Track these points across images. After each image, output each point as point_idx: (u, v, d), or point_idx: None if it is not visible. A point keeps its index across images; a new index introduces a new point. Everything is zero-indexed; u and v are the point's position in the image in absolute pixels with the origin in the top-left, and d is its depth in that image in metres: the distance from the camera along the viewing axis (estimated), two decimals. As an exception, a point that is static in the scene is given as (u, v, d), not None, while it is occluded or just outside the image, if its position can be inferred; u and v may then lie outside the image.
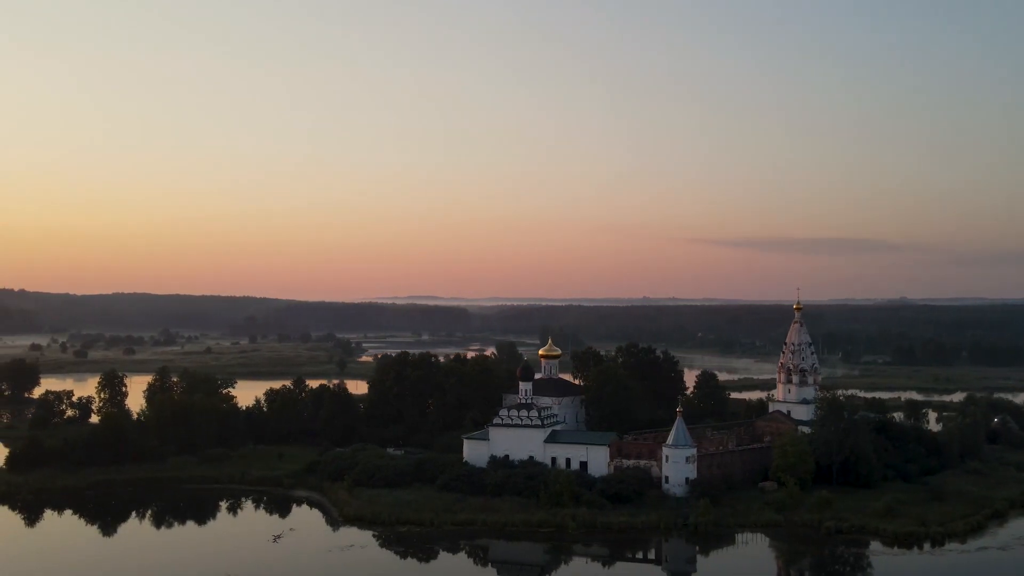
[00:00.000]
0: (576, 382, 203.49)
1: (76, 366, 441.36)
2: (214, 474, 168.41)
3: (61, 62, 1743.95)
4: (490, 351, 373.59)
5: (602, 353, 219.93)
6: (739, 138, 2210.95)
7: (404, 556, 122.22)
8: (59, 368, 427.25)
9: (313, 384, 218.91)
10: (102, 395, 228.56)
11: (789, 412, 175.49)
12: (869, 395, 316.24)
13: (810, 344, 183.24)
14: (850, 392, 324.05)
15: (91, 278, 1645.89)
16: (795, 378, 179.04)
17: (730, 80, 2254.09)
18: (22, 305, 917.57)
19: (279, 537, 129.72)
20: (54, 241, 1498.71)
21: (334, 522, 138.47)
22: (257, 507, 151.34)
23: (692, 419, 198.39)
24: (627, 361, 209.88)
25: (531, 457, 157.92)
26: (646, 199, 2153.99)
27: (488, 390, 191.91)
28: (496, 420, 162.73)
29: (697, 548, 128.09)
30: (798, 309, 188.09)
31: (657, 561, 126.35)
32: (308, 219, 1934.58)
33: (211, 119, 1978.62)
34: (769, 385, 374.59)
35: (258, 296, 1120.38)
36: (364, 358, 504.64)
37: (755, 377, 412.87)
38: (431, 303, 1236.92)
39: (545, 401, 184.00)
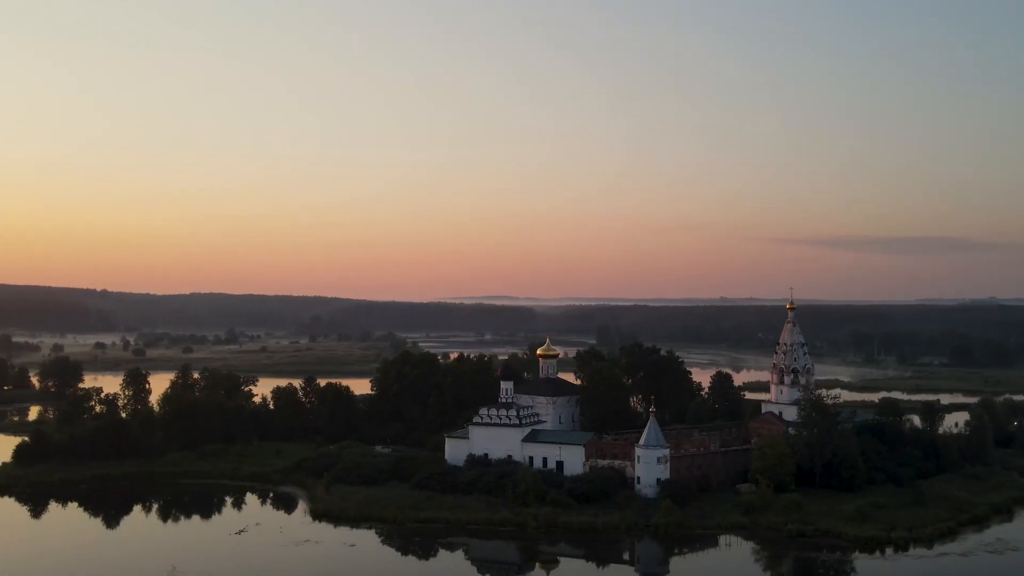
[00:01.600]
0: (579, 382, 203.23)
1: (132, 364, 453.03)
2: (208, 470, 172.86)
3: (127, 65, 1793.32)
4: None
5: (604, 353, 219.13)
6: (818, 135, 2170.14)
7: (355, 552, 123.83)
8: (116, 366, 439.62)
9: (344, 383, 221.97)
10: (126, 392, 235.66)
11: (781, 413, 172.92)
12: (910, 397, 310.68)
13: (803, 344, 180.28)
14: (887, 393, 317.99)
15: (172, 279, 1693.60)
16: (787, 379, 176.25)
17: (804, 77, 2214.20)
18: (102, 305, 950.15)
19: (242, 531, 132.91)
20: (137, 243, 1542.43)
21: (303, 518, 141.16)
22: (237, 502, 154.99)
23: (704, 419, 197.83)
24: (630, 361, 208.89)
25: (509, 456, 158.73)
26: (726, 197, 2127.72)
27: (486, 389, 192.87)
28: (476, 419, 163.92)
29: (674, 550, 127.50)
30: (791, 309, 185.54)
31: (630, 562, 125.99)
32: (381, 219, 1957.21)
33: (277, 122, 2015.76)
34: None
35: (328, 296, 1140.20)
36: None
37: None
38: (501, 303, 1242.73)
39: (540, 400, 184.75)
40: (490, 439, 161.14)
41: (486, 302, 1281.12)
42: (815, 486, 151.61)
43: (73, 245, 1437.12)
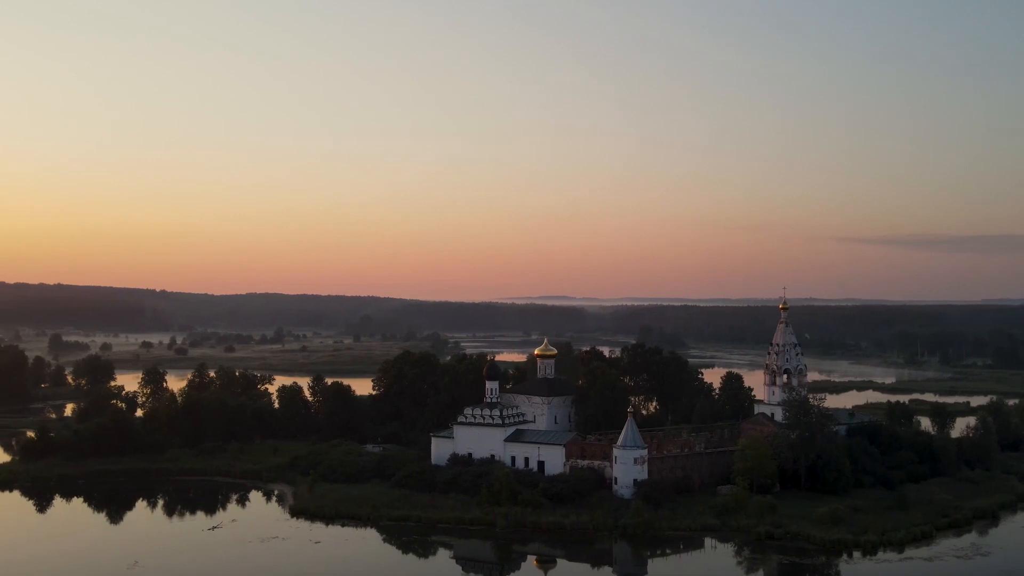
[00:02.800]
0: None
1: (173, 362, 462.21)
2: (204, 466, 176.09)
3: (169, 66, 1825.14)
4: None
5: (606, 353, 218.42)
6: (880, 134, 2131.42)
7: (318, 548, 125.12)
8: (157, 364, 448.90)
9: (352, 382, 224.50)
10: (145, 390, 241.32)
11: (772, 415, 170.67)
12: (941, 399, 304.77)
13: (795, 345, 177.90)
14: (919, 395, 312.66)
15: (230, 279, 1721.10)
16: (779, 380, 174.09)
17: (865, 77, 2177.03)
18: (160, 305, 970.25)
19: (216, 528, 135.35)
20: (197, 244, 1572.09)
21: (282, 515, 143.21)
22: (221, 498, 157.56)
23: (709, 420, 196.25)
24: (632, 361, 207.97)
25: (493, 456, 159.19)
26: (788, 197, 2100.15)
27: (484, 389, 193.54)
28: (460, 419, 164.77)
29: (652, 552, 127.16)
30: (783, 309, 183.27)
31: (608, 563, 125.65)
32: (437, 219, 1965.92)
33: (330, 123, 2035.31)
34: (836, 387, 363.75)
35: (381, 296, 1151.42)
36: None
37: (834, 379, 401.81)
38: (554, 303, 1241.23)
39: (536, 400, 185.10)
40: (474, 439, 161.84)
41: (539, 302, 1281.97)
42: (800, 488, 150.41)
43: (135, 247, 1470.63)
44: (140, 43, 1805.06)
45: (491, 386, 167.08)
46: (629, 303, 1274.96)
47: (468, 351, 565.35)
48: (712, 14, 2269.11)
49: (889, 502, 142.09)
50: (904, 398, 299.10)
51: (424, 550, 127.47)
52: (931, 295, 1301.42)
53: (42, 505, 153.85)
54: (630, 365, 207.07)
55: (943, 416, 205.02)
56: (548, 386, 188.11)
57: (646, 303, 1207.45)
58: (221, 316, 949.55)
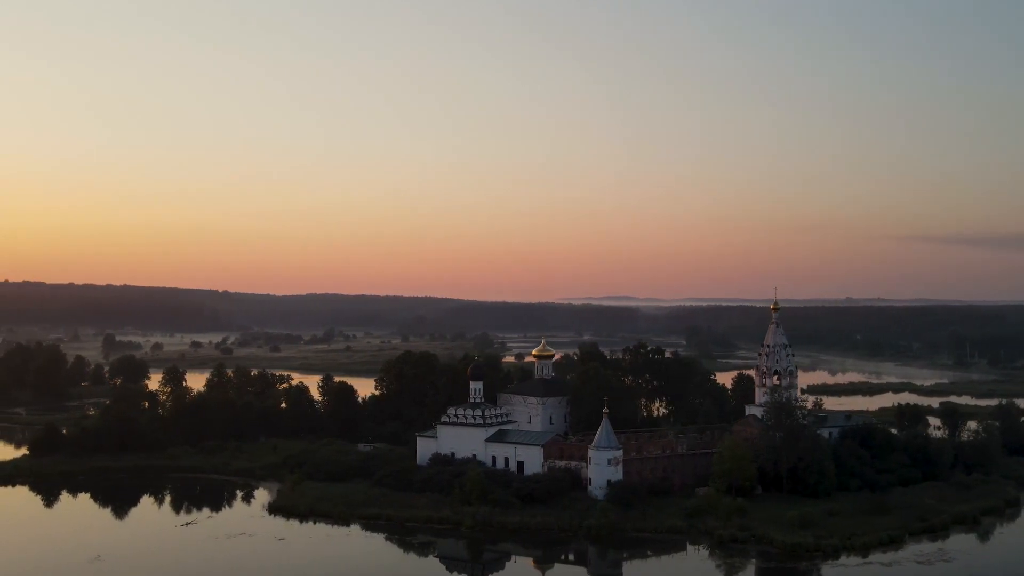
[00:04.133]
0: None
1: (214, 361, 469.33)
2: (201, 464, 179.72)
3: (200, 67, 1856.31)
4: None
5: (607, 354, 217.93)
6: (946, 131, 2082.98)
7: (281, 545, 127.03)
8: (201, 364, 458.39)
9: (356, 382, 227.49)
10: (166, 389, 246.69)
11: (762, 416, 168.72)
12: (976, 401, 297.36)
13: (786, 346, 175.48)
14: (955, 398, 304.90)
15: (291, 280, 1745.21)
16: (768, 381, 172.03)
17: (930, 75, 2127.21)
18: (221, 305, 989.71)
19: (189, 524, 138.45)
20: (261, 246, 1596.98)
21: (260, 512, 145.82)
22: (208, 495, 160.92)
23: (714, 421, 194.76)
24: (634, 362, 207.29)
25: (474, 455, 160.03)
26: (852, 195, 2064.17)
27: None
28: (443, 419, 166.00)
29: (626, 554, 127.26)
30: (775, 309, 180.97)
31: (583, 564, 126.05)
32: (498, 220, 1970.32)
33: (398, 126, 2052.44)
34: (872, 389, 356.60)
35: (439, 296, 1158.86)
36: (508, 358, 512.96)
37: (873, 381, 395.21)
38: (613, 304, 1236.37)
39: (531, 401, 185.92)
40: (456, 438, 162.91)
41: (598, 302, 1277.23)
42: (782, 491, 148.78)
43: (200, 249, 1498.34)
44: (183, 45, 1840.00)
45: (475, 386, 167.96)
46: (687, 303, 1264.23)
47: (514, 351, 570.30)
48: (777, 6, 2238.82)
49: (868, 506, 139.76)
50: (936, 400, 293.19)
51: (386, 547, 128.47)
52: (995, 295, 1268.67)
53: (36, 500, 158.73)
54: (631, 366, 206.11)
55: (954, 419, 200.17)
56: (544, 387, 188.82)
57: (704, 303, 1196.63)
58: (280, 316, 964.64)
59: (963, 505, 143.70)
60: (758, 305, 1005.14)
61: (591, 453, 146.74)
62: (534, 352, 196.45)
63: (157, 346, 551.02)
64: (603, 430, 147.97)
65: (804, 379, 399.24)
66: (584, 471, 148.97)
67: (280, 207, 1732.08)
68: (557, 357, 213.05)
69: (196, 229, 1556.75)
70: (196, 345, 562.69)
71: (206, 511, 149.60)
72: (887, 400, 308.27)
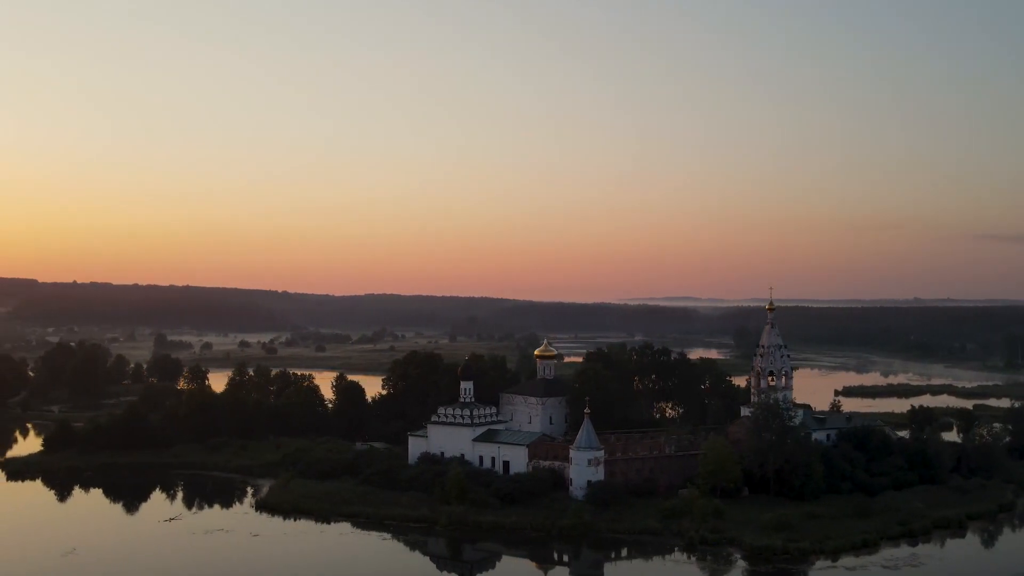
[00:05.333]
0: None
1: (262, 361, 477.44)
2: (204, 461, 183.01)
3: (242, 68, 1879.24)
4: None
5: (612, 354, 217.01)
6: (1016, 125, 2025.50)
7: (254, 541, 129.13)
8: (243, 363, 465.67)
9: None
10: (189, 387, 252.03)
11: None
12: (1012, 404, 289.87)
13: (781, 347, 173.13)
14: (994, 400, 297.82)
15: (350, 280, 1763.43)
16: (762, 382, 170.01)
17: (995, 70, 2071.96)
18: (279, 306, 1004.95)
19: (173, 519, 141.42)
20: (320, 247, 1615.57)
21: (247, 509, 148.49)
22: (200, 492, 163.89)
23: (722, 422, 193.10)
24: (639, 362, 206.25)
25: (462, 455, 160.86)
26: (922, 193, 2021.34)
27: (484, 389, 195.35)
28: (433, 418, 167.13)
29: (607, 555, 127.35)
30: (770, 310, 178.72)
31: (564, 563, 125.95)
32: (557, 219, 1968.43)
33: (455, 127, 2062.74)
34: (908, 391, 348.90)
35: (494, 297, 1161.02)
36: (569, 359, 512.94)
37: (913, 382, 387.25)
38: (671, 304, 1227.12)
39: (531, 401, 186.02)
40: (445, 438, 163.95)
41: (657, 303, 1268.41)
42: (768, 493, 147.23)
43: (261, 250, 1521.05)
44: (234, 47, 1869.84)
45: (465, 386, 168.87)
46: (746, 304, 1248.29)
47: (561, 352, 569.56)
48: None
49: (851, 509, 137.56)
50: (970, 403, 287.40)
51: (356, 544, 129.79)
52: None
53: (34, 495, 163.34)
54: (638, 366, 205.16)
55: (969, 422, 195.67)
56: (544, 387, 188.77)
57: (762, 304, 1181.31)
58: (336, 316, 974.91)
59: (952, 509, 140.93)
60: (814, 306, 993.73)
61: (572, 453, 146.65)
62: (536, 352, 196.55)
63: (207, 346, 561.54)
64: (584, 431, 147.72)
65: (844, 380, 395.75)
66: (567, 471, 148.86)
67: (341, 208, 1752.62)
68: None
69: (259, 230, 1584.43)
70: (244, 345, 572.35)
71: (194, 507, 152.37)
72: (924, 402, 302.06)
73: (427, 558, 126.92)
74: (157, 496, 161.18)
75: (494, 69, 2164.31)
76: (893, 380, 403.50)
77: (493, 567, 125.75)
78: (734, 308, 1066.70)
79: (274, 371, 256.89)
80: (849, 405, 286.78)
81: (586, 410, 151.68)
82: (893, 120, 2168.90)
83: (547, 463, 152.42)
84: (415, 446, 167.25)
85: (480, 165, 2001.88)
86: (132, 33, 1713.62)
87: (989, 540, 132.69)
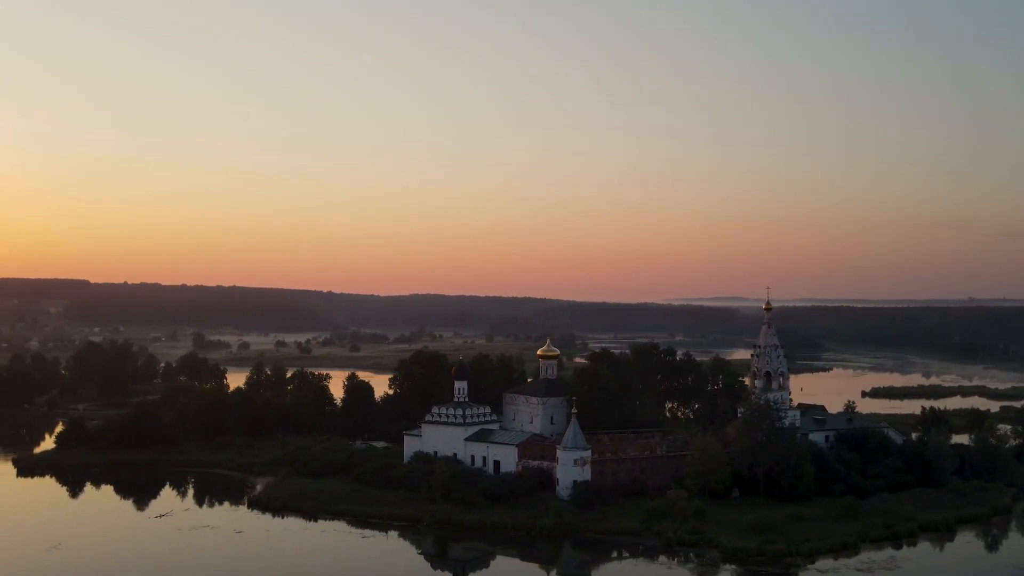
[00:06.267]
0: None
1: (295, 360, 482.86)
2: (209, 459, 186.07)
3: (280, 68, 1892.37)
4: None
5: (616, 354, 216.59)
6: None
7: (237, 537, 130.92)
8: (281, 362, 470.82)
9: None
10: (207, 386, 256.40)
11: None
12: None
13: (777, 347, 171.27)
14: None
15: (396, 280, 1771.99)
16: (759, 382, 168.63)
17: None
18: (323, 306, 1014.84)
19: (163, 516, 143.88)
20: (368, 246, 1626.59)
21: (239, 507, 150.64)
22: (200, 489, 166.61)
23: (726, 422, 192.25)
24: (645, 363, 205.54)
25: (455, 454, 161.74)
26: (984, 193, 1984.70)
27: (486, 389, 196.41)
28: (427, 417, 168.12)
29: (591, 556, 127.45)
30: (767, 310, 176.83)
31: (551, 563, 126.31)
32: (605, 219, 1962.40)
33: (499, 127, 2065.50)
34: (938, 392, 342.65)
35: (537, 297, 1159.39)
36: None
37: (944, 384, 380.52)
38: (717, 304, 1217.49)
39: (532, 401, 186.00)
40: (439, 437, 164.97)
41: (699, 303, 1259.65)
42: (758, 494, 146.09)
43: (307, 251, 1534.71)
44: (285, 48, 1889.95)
45: (459, 386, 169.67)
46: (792, 304, 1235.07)
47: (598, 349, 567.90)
48: None
49: (838, 511, 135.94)
50: (998, 404, 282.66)
51: (337, 542, 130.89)
52: None
53: (35, 491, 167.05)
54: (642, 367, 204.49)
55: (981, 423, 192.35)
56: (546, 387, 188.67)
57: (808, 304, 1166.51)
58: (379, 316, 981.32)
59: (944, 512, 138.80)
60: (859, 306, 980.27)
61: (559, 453, 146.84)
62: (539, 352, 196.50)
63: (244, 345, 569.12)
64: (571, 431, 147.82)
65: (876, 380, 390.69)
66: (555, 471, 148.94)
67: (387, 209, 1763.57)
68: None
69: (305, 230, 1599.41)
70: (280, 344, 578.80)
71: (186, 504, 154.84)
72: (954, 403, 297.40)
73: (405, 556, 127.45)
74: (155, 493, 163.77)
75: (532, 67, 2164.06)
76: (924, 381, 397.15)
77: (487, 566, 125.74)
78: (779, 309, 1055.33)
79: (290, 371, 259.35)
80: (875, 406, 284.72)
81: (573, 410, 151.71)
82: (955, 119, 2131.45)
83: (536, 463, 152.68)
84: (410, 445, 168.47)
85: (529, 166, 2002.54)
86: (166, 34, 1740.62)
87: (975, 544, 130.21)
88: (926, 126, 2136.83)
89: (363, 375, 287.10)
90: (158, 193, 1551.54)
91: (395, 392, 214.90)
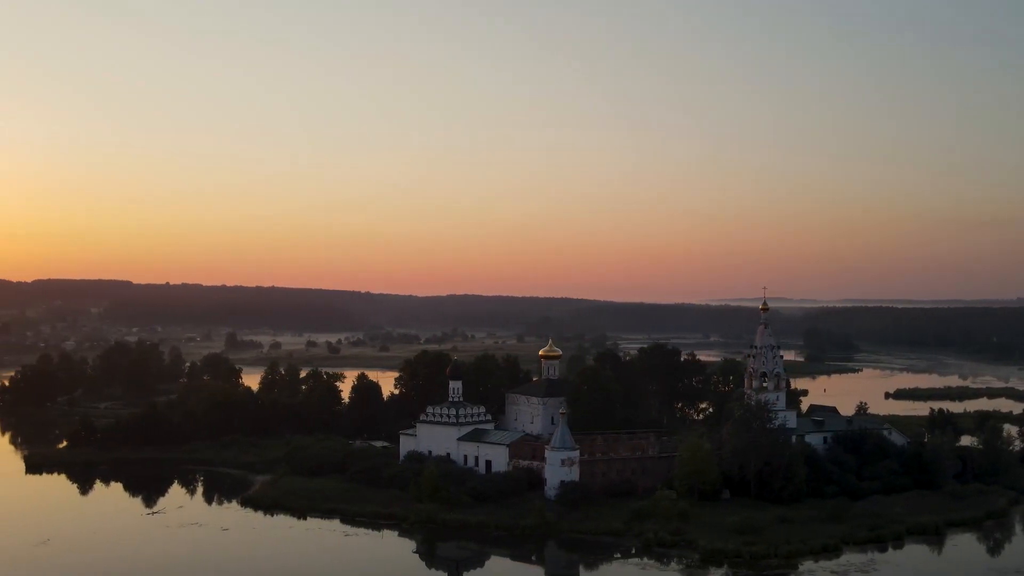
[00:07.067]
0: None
1: (323, 360, 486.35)
2: (213, 457, 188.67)
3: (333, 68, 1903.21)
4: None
5: (621, 355, 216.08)
6: None
7: (222, 535, 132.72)
8: (308, 362, 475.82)
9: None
10: (224, 385, 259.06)
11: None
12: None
13: (774, 347, 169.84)
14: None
15: (435, 281, 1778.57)
16: (755, 383, 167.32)
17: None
18: (359, 306, 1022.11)
19: (155, 512, 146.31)
20: (406, 246, 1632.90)
21: (232, 505, 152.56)
22: (196, 487, 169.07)
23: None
24: (649, 362, 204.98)
25: (448, 454, 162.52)
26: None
27: (488, 389, 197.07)
28: (422, 417, 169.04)
29: (578, 556, 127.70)
30: (764, 310, 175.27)
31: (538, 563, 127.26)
32: (642, 219, 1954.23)
33: (542, 127, 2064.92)
34: (965, 393, 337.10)
35: (574, 297, 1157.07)
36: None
37: (972, 386, 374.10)
38: (753, 304, 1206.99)
39: (533, 400, 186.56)
40: (432, 437, 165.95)
41: (735, 303, 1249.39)
42: (749, 496, 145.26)
43: (345, 251, 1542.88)
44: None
45: (454, 385, 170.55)
46: (832, 304, 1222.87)
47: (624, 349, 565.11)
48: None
49: (825, 513, 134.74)
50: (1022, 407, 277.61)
51: (320, 540, 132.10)
52: None
53: (36, 488, 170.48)
54: (648, 367, 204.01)
55: (989, 425, 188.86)
56: (547, 387, 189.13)
57: (848, 304, 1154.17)
58: (415, 316, 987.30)
59: (935, 516, 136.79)
60: (900, 306, 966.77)
61: (547, 454, 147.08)
62: (541, 352, 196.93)
63: (275, 345, 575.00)
64: (559, 431, 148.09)
65: (903, 382, 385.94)
66: (544, 470, 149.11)
67: (427, 210, 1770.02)
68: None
69: (344, 232, 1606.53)
70: (311, 344, 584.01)
71: (181, 501, 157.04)
72: (978, 405, 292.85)
73: (386, 554, 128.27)
74: (154, 490, 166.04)
75: (566, 70, 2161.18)
76: (953, 382, 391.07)
77: (482, 565, 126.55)
78: (817, 309, 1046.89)
79: (304, 371, 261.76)
80: (897, 408, 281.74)
81: (561, 411, 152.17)
82: (1005, 117, 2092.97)
83: (527, 463, 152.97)
84: (405, 445, 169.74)
85: (571, 166, 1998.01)
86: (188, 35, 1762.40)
87: (961, 548, 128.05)
88: (974, 124, 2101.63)
89: (387, 375, 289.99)
90: (201, 194, 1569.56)
91: (401, 392, 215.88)
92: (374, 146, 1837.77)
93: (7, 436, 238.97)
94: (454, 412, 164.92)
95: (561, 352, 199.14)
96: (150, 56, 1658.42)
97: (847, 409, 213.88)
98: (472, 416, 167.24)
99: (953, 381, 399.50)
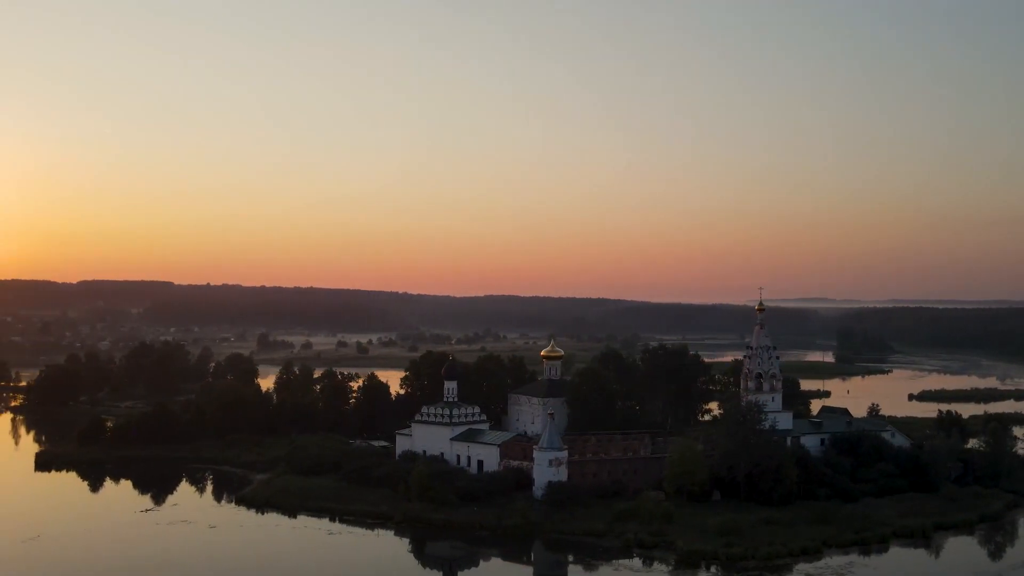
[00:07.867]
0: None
1: (351, 361, 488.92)
2: (217, 456, 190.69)
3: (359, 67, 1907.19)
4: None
5: (624, 356, 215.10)
6: None
7: (210, 532, 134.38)
8: (335, 362, 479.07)
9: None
10: (241, 386, 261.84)
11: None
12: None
13: (770, 348, 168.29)
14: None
15: (473, 281, 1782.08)
16: (751, 384, 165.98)
17: None
18: (396, 307, 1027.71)
19: (148, 510, 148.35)
20: (445, 247, 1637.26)
21: (226, 503, 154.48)
22: (195, 485, 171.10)
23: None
24: (654, 363, 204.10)
25: (441, 453, 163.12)
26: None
27: (489, 389, 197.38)
28: (417, 417, 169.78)
29: (570, 556, 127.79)
30: (760, 311, 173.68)
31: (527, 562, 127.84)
32: (684, 218, 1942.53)
33: (578, 127, 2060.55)
34: (978, 396, 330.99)
35: (611, 298, 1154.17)
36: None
37: (998, 388, 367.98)
38: (801, 305, 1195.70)
39: (533, 401, 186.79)
40: (427, 436, 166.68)
41: (775, 303, 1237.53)
42: (739, 498, 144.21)
43: (383, 252, 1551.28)
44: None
45: (449, 386, 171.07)
46: (871, 305, 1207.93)
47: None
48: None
49: (812, 515, 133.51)
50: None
51: (305, 538, 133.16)
52: None
53: (35, 486, 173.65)
54: (651, 367, 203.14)
55: (996, 428, 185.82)
56: (547, 387, 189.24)
57: (888, 304, 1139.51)
58: (451, 317, 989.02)
59: (925, 519, 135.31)
60: (940, 307, 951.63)
61: (535, 454, 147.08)
62: (543, 353, 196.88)
63: (307, 345, 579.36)
64: (546, 432, 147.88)
65: (931, 383, 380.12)
66: (533, 471, 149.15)
67: (463, 209, 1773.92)
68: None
69: (382, 232, 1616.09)
70: (342, 345, 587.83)
71: (175, 499, 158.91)
72: (1003, 407, 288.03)
73: (371, 553, 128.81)
74: (154, 488, 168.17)
75: (596, 71, 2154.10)
76: (983, 384, 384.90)
77: (476, 565, 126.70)
78: (856, 309, 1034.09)
79: (318, 371, 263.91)
80: (918, 410, 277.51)
81: (549, 412, 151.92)
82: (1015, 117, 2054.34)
83: (516, 463, 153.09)
84: (401, 444, 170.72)
85: (610, 168, 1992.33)
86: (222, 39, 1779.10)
87: (947, 551, 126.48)
88: (1015, 124, 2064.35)
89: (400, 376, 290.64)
90: (244, 195, 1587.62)
91: (406, 392, 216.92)
92: (416, 149, 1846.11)
93: (28, 435, 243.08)
94: (448, 412, 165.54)
95: (563, 352, 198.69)
96: (196, 56, 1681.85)
97: (860, 411, 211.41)
98: (466, 416, 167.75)
99: (985, 383, 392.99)
